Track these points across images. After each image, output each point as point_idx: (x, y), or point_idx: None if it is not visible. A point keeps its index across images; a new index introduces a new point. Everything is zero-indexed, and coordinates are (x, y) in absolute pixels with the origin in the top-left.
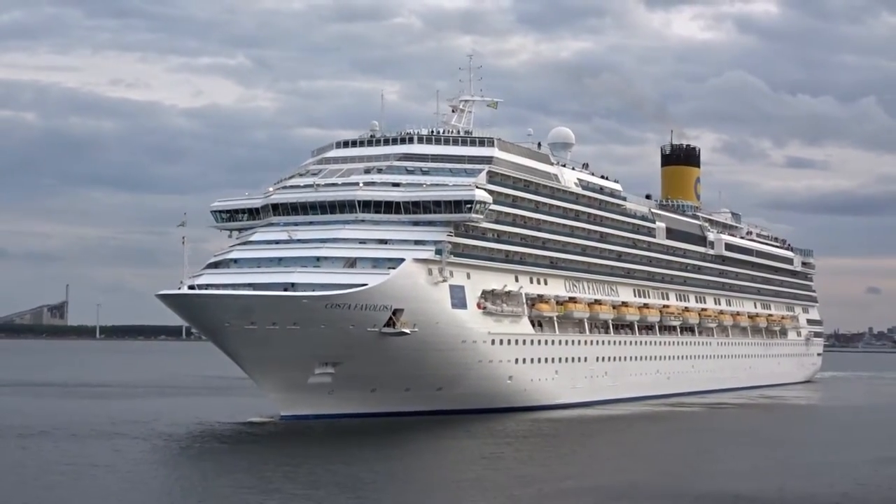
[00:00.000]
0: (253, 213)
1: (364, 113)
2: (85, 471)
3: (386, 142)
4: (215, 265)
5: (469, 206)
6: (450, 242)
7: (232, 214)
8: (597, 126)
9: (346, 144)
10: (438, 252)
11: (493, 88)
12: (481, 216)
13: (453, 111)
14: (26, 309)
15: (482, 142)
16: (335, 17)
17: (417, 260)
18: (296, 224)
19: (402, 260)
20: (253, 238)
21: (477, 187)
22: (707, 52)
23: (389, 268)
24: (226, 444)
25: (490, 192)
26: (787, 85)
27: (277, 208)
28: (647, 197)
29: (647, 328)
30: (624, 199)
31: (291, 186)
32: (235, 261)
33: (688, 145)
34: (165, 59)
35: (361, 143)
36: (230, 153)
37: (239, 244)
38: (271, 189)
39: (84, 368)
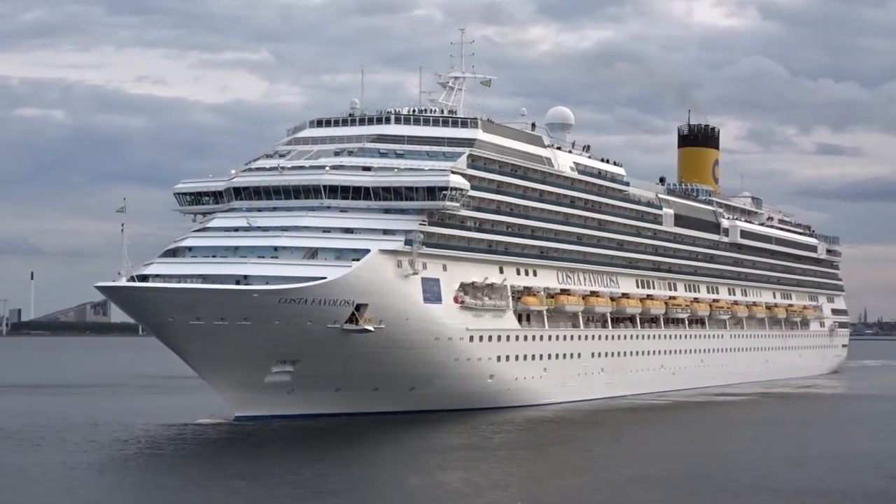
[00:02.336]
0: (217, 196)
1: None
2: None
3: (362, 121)
4: (172, 253)
5: (444, 192)
6: (422, 232)
7: (196, 197)
8: (619, 115)
9: (319, 124)
10: (409, 242)
11: (514, 80)
12: (457, 203)
13: (444, 88)
14: (69, 307)
15: (465, 123)
16: (356, 10)
17: (385, 251)
18: (259, 210)
19: (368, 251)
20: (211, 224)
21: (453, 172)
22: (730, 39)
23: (353, 259)
24: (171, 450)
25: (470, 177)
26: (811, 71)
27: (240, 192)
28: (661, 181)
29: (651, 321)
30: (627, 184)
31: (256, 169)
32: (190, 249)
33: (706, 125)
34: (188, 55)
35: (336, 123)
36: (258, 149)
37: (196, 231)
38: (233, 171)
39: (59, 366)
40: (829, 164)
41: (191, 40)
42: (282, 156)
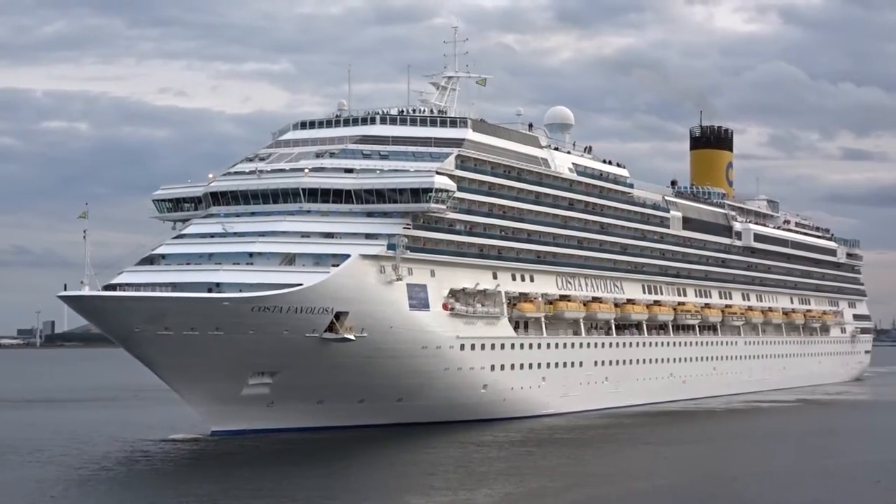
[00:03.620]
0: (197, 202)
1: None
2: None
3: (347, 122)
4: (149, 261)
5: (428, 194)
6: (406, 236)
7: (176, 203)
8: (638, 122)
9: (304, 125)
10: (392, 247)
11: (536, 87)
12: (444, 206)
13: (437, 88)
14: None
15: (454, 122)
16: (374, 19)
17: (366, 256)
18: (237, 215)
19: (348, 256)
20: (186, 231)
21: (439, 173)
22: (751, 45)
23: (333, 265)
24: (142, 468)
25: (459, 178)
26: (832, 75)
27: (217, 197)
28: (672, 184)
29: (660, 328)
30: (630, 185)
31: (236, 173)
32: (164, 256)
33: (720, 127)
34: (210, 66)
35: (321, 125)
36: None
37: (173, 238)
38: (211, 176)
39: (62, 378)
40: (855, 170)
41: (212, 51)
42: (262, 159)
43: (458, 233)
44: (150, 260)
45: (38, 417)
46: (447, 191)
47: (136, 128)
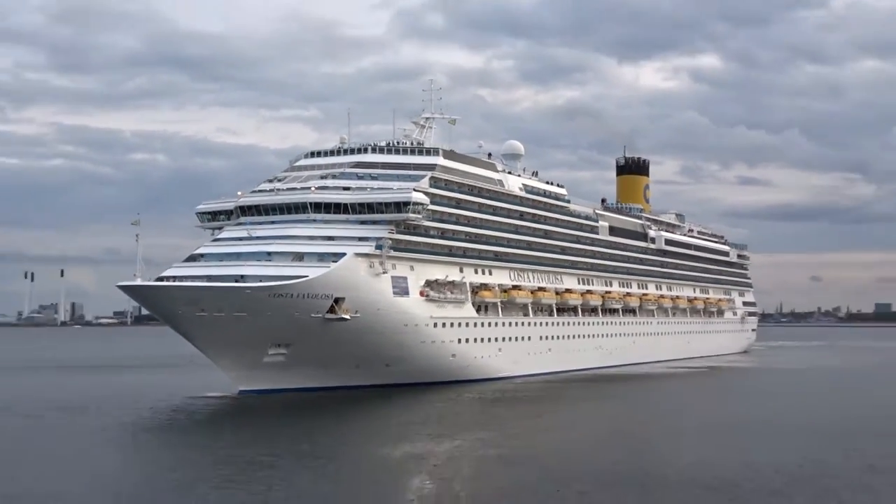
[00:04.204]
0: (229, 213)
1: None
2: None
3: (346, 152)
4: (192, 258)
5: (407, 206)
6: (390, 238)
7: (213, 215)
8: (582, 156)
9: (313, 154)
10: (379, 247)
11: (503, 129)
12: (419, 215)
13: (416, 126)
14: None
15: (428, 151)
16: (381, 77)
17: (359, 254)
18: (259, 223)
19: (344, 254)
20: (220, 236)
21: (415, 190)
22: (668, 98)
23: (332, 261)
24: (185, 417)
25: (432, 194)
26: (730, 121)
27: (244, 210)
28: (603, 201)
29: (591, 311)
30: (568, 201)
31: (259, 191)
32: (203, 255)
33: (638, 158)
34: (256, 113)
35: (326, 154)
36: None
37: (211, 241)
38: (240, 194)
39: (126, 349)
40: (747, 193)
41: (257, 101)
42: (280, 180)
43: (432, 236)
44: (193, 258)
45: (116, 379)
46: (422, 204)
47: (201, 159)
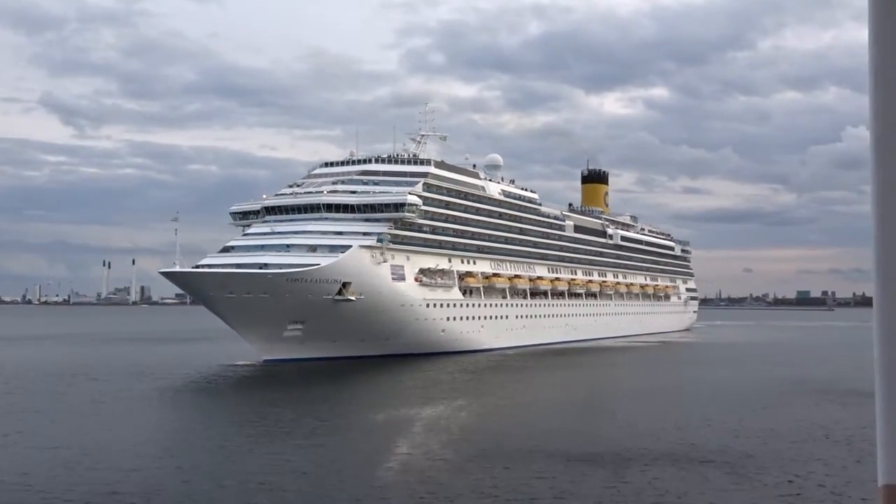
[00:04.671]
0: (256, 213)
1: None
2: (102, 406)
3: (354, 162)
4: (226, 249)
5: (403, 206)
6: (389, 234)
7: (244, 214)
8: (556, 169)
9: (327, 164)
10: (380, 240)
11: (491, 146)
12: (413, 214)
13: (414, 142)
14: None
15: (422, 162)
16: (394, 104)
17: (363, 246)
18: (281, 221)
19: (350, 246)
20: (249, 231)
21: (410, 193)
22: (625, 122)
23: (341, 252)
24: (219, 382)
25: (425, 197)
26: (675, 140)
27: (269, 210)
28: (570, 205)
29: (559, 295)
30: (539, 204)
31: (281, 194)
32: (234, 247)
33: (599, 169)
34: (291, 132)
35: (338, 164)
36: None
37: (242, 235)
38: (265, 197)
39: (175, 325)
40: (690, 201)
41: (292, 123)
42: (298, 185)
43: (425, 232)
44: (226, 249)
45: (169, 349)
46: (416, 205)
47: (245, 169)
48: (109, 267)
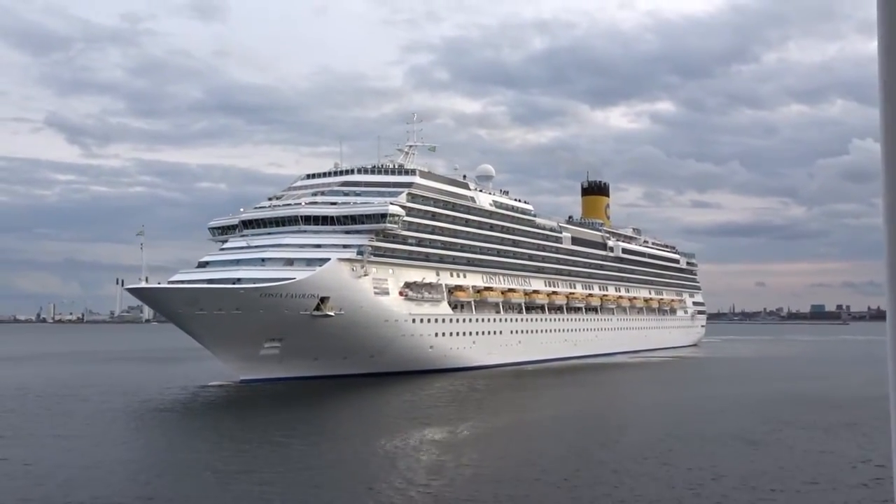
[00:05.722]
0: (235, 227)
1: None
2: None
3: (337, 173)
4: (202, 265)
5: (384, 217)
6: (370, 246)
7: (223, 230)
8: (562, 183)
9: (309, 176)
10: (360, 253)
11: (497, 161)
12: (396, 225)
13: (401, 152)
14: None
15: (407, 172)
16: (399, 120)
17: (342, 259)
18: (258, 235)
19: (328, 259)
20: (225, 245)
21: (392, 204)
22: (631, 136)
23: (318, 266)
24: (193, 404)
25: (409, 208)
26: (682, 155)
27: (246, 224)
28: (570, 217)
29: (557, 309)
30: (535, 216)
31: (259, 207)
32: (208, 262)
33: (600, 181)
34: (297, 149)
35: (320, 175)
36: None
37: (219, 250)
38: (242, 210)
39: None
40: (699, 215)
41: (298, 140)
42: (278, 198)
43: (410, 244)
44: (201, 264)
45: (160, 368)
46: (398, 215)
47: (254, 187)
48: (122, 285)
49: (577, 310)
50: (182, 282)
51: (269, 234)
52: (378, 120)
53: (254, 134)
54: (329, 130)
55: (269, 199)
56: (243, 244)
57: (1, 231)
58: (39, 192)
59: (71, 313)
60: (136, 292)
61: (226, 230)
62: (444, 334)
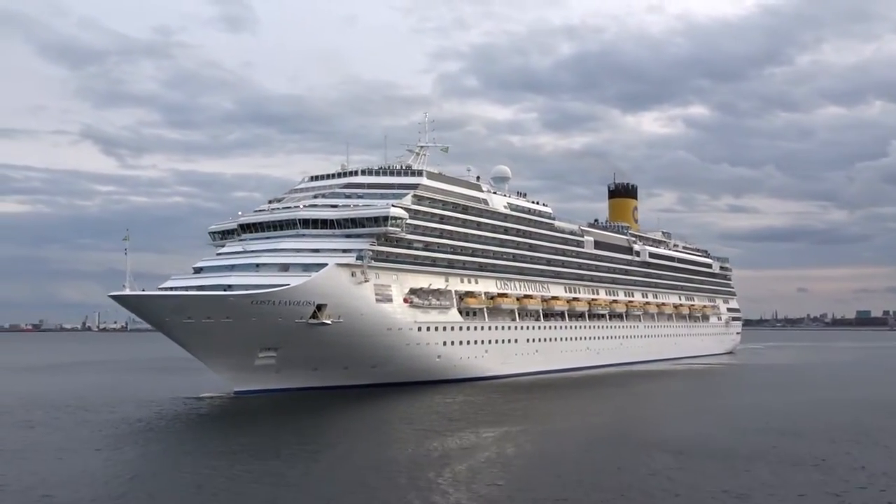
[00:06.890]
0: (233, 231)
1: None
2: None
3: (341, 175)
4: (196, 271)
5: (386, 220)
6: (371, 250)
7: (222, 234)
8: (593, 189)
9: (313, 178)
10: (360, 258)
11: (530, 168)
12: (398, 229)
13: (411, 153)
14: None
15: (414, 173)
16: (430, 128)
17: (341, 264)
18: (255, 239)
19: (326, 264)
20: (222, 250)
21: (395, 206)
22: (664, 141)
23: (315, 271)
24: (187, 416)
25: (414, 210)
26: (716, 159)
27: (244, 228)
28: (595, 221)
29: (578, 316)
30: (553, 219)
31: (259, 211)
32: (202, 268)
33: (627, 183)
34: (329, 157)
35: (324, 177)
36: None
37: (216, 255)
38: (240, 214)
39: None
40: (736, 219)
41: (330, 148)
42: (279, 201)
43: (415, 249)
44: (196, 270)
45: (165, 377)
46: (400, 218)
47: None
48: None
49: (601, 317)
50: (173, 288)
51: (268, 238)
52: (408, 128)
53: (286, 143)
54: (361, 139)
55: (270, 201)
56: (239, 249)
57: (46, 242)
58: (81, 202)
59: (115, 322)
60: (119, 300)
61: (225, 234)
62: (453, 343)
